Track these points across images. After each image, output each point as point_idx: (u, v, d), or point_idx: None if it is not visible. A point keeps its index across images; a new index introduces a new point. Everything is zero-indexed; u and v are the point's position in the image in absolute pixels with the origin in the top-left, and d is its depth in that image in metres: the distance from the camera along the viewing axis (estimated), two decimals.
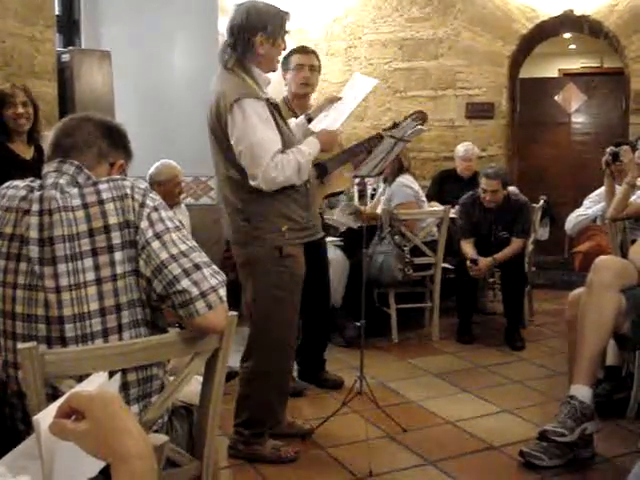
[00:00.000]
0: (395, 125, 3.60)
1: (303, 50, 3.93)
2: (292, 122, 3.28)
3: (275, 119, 2.86)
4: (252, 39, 2.84)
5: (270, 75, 3.04)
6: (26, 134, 3.86)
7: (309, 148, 2.93)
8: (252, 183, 2.81)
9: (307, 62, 3.85)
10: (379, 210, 5.22)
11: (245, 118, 2.75)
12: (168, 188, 4.24)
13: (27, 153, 3.87)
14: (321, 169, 3.57)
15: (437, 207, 5.56)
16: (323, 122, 3.36)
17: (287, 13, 2.95)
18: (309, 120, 3.40)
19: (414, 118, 3.67)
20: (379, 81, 3.70)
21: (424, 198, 5.35)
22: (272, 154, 2.76)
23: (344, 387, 3.87)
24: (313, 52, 3.97)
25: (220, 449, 2.87)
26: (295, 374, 4.05)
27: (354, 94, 3.45)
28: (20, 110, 3.77)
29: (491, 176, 4.84)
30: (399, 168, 5.14)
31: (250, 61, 2.88)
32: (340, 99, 3.43)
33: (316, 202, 3.14)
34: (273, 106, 2.89)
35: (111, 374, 1.69)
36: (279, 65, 3.09)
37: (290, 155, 2.82)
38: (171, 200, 4.16)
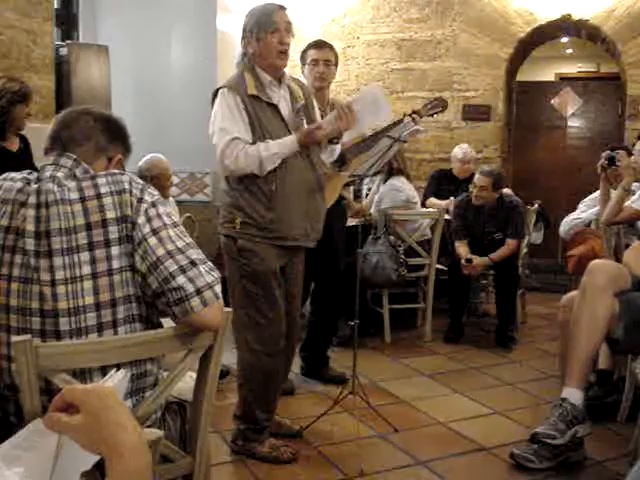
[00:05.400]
0: (414, 112, 3.62)
1: (318, 45, 3.93)
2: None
3: (254, 116, 2.92)
4: (244, 41, 3.02)
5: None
6: None
7: (278, 144, 2.92)
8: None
9: (322, 57, 3.86)
10: (372, 210, 5.23)
11: (216, 105, 2.97)
12: (160, 182, 4.22)
13: (14, 145, 3.87)
14: (340, 158, 3.57)
15: (437, 204, 5.61)
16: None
17: (276, 7, 2.98)
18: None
19: (434, 105, 3.70)
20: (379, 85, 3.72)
21: (416, 199, 5.34)
22: (225, 142, 2.89)
23: (337, 386, 3.87)
24: (329, 46, 3.95)
25: (213, 446, 2.87)
26: (298, 371, 4.09)
27: (370, 109, 3.23)
28: (31, 109, 3.81)
29: (484, 172, 4.93)
30: (389, 170, 5.13)
31: (253, 62, 3.00)
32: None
33: (296, 209, 3.00)
34: (269, 106, 2.97)
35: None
36: (282, 60, 3.00)
37: (253, 147, 2.89)
38: (161, 194, 4.14)
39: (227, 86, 2.96)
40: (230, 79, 3.02)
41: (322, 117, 3.42)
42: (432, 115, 3.81)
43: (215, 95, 2.99)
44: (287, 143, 2.94)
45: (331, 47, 3.94)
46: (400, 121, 3.62)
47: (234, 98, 2.92)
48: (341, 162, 3.63)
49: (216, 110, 2.96)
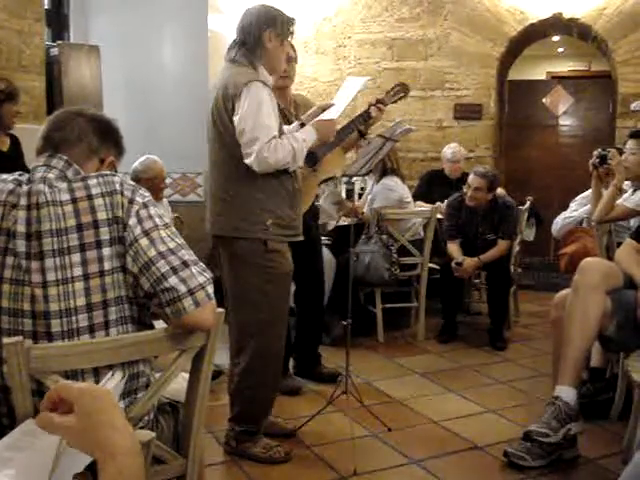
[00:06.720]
0: (378, 101, 3.63)
1: None
2: (286, 128, 3.26)
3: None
4: (261, 35, 2.94)
5: None
6: None
7: (303, 135, 2.98)
8: (246, 161, 2.86)
9: None
10: (365, 209, 5.23)
11: (252, 99, 2.83)
12: (154, 184, 4.21)
13: (4, 145, 3.88)
14: (312, 157, 3.57)
15: (424, 207, 5.58)
16: None
17: (293, 19, 3.05)
18: (302, 126, 3.38)
19: (397, 91, 3.71)
20: (369, 78, 3.72)
21: (409, 199, 5.34)
22: (269, 138, 2.82)
23: (330, 385, 3.86)
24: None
25: (206, 446, 2.86)
26: (291, 371, 4.08)
27: (346, 94, 3.45)
28: (21, 109, 3.81)
29: (478, 174, 4.91)
30: (382, 170, 5.13)
31: (258, 58, 2.95)
32: (333, 105, 3.41)
33: (302, 203, 3.12)
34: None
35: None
36: (282, 68, 3.12)
37: (284, 140, 2.88)
38: (155, 195, 4.14)
39: (259, 80, 2.87)
40: (248, 73, 2.89)
41: (285, 115, 3.54)
42: (396, 101, 3.82)
43: (242, 89, 2.83)
44: (308, 132, 3.00)
45: (290, 43, 3.92)
46: (367, 112, 3.64)
47: (270, 93, 2.89)
48: (313, 162, 3.62)
49: (254, 105, 2.81)
